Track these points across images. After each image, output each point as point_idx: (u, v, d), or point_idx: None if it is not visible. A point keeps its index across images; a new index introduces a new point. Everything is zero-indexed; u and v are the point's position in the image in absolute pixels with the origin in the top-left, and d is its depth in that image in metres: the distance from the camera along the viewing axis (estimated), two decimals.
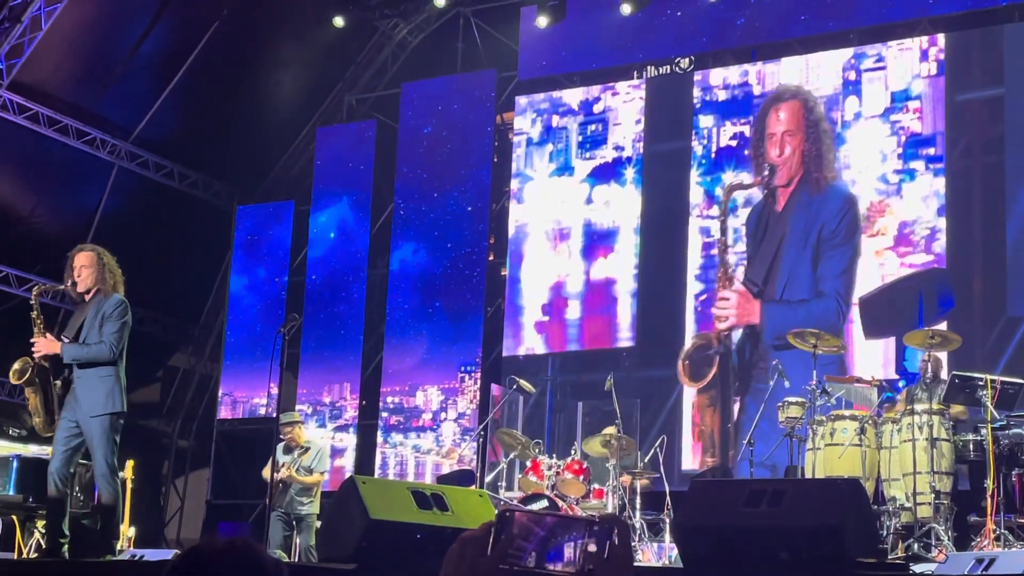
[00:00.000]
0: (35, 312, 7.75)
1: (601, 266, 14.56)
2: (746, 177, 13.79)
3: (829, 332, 11.82)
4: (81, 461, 7.86)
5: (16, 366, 7.72)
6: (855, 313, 12.89)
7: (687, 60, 15.01)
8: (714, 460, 13.06)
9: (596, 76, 15.23)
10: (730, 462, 12.94)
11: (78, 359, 7.56)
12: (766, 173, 13.62)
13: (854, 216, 13.17)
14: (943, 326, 11.56)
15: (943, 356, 10.48)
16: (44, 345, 7.61)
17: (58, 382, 7.71)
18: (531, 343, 14.77)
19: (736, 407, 13.32)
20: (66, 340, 7.65)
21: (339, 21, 16.31)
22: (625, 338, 14.24)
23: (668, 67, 15.12)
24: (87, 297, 7.75)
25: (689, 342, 13.60)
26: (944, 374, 9.97)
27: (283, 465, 10.77)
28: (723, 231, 13.69)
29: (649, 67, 15.18)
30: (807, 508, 6.22)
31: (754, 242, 13.63)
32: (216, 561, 2.68)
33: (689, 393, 13.64)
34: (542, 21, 15.24)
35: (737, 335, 13.46)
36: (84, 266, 7.72)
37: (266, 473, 10.93)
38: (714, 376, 13.38)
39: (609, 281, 14.47)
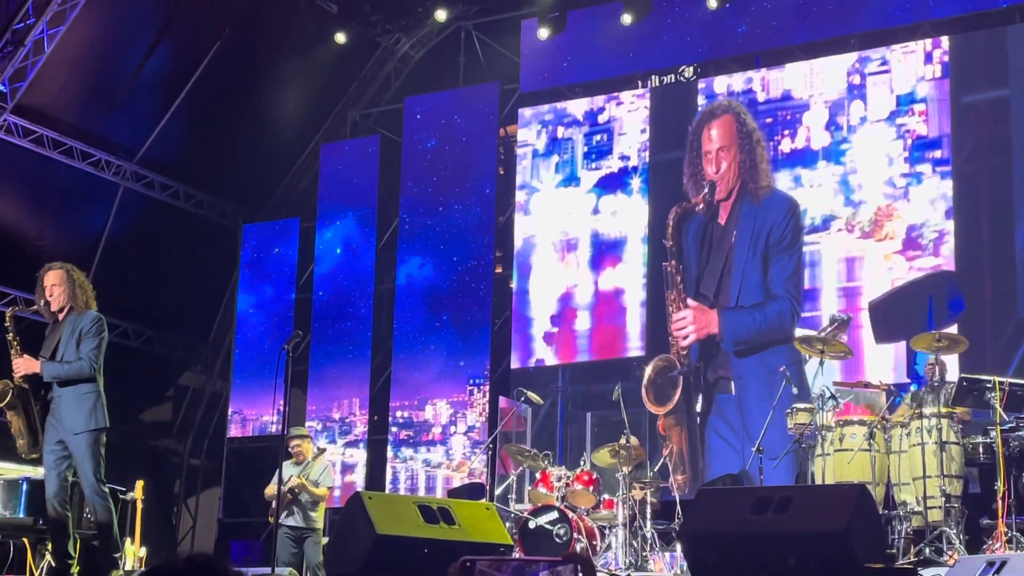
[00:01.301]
0: (11, 334, 7.73)
1: (609, 276, 14.55)
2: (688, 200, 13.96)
3: (785, 331, 12.00)
4: (73, 479, 7.81)
5: None
6: (864, 318, 12.86)
7: (690, 69, 15.00)
8: (684, 477, 13.04)
9: (598, 87, 15.23)
10: (700, 476, 13.00)
11: (58, 377, 7.54)
12: (706, 191, 13.73)
13: (798, 220, 13.38)
14: (953, 329, 11.53)
15: (953, 359, 10.44)
16: (24, 365, 7.59)
17: (37, 405, 7.67)
18: (540, 354, 14.75)
19: (697, 420, 13.36)
20: (44, 359, 7.62)
21: (341, 37, 16.34)
22: (635, 347, 14.21)
23: (672, 76, 15.12)
24: (60, 316, 7.73)
25: (649, 368, 13.55)
26: (950, 377, 9.92)
27: (291, 477, 10.75)
28: (673, 255, 13.73)
29: (652, 76, 15.18)
30: (814, 514, 6.20)
31: (701, 258, 13.70)
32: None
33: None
34: (543, 33, 15.25)
35: (694, 349, 13.50)
36: (55, 284, 7.70)
37: (270, 491, 10.91)
38: (679, 397, 13.39)
39: (618, 291, 14.46)
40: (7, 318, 7.83)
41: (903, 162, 13.05)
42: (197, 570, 2.69)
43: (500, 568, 2.10)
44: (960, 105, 12.93)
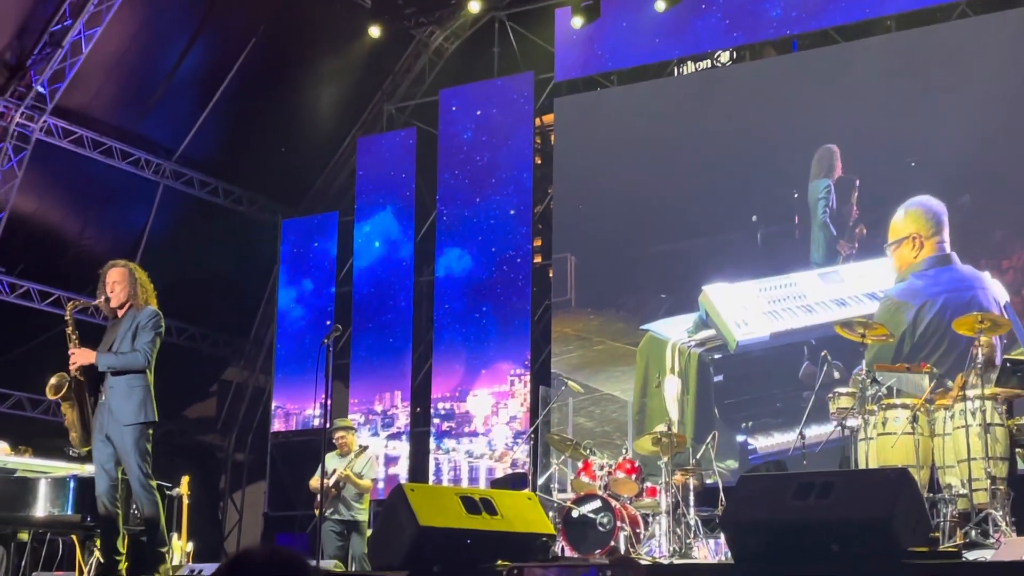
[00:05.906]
0: (70, 328, 7.81)
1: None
2: None
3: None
4: (123, 476, 7.88)
5: (53, 381, 7.77)
6: None
7: (726, 54, 14.93)
8: None
9: (633, 74, 15.20)
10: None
11: (113, 367, 7.61)
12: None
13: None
14: None
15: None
16: (80, 356, 7.67)
17: (91, 399, 7.75)
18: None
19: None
20: (101, 352, 7.70)
21: (375, 31, 16.38)
22: None
23: (708, 62, 15.06)
24: (120, 312, 7.81)
25: None
26: (998, 359, 9.82)
27: (334, 470, 10.80)
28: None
29: (688, 63, 15.12)
30: (856, 499, 6.17)
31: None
32: (262, 571, 2.70)
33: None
34: (577, 22, 15.22)
35: None
36: (116, 282, 7.78)
37: (314, 483, 10.97)
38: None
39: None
40: (67, 312, 7.93)
41: None
42: (281, 565, 2.70)
43: (547, 572, 2.10)
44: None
